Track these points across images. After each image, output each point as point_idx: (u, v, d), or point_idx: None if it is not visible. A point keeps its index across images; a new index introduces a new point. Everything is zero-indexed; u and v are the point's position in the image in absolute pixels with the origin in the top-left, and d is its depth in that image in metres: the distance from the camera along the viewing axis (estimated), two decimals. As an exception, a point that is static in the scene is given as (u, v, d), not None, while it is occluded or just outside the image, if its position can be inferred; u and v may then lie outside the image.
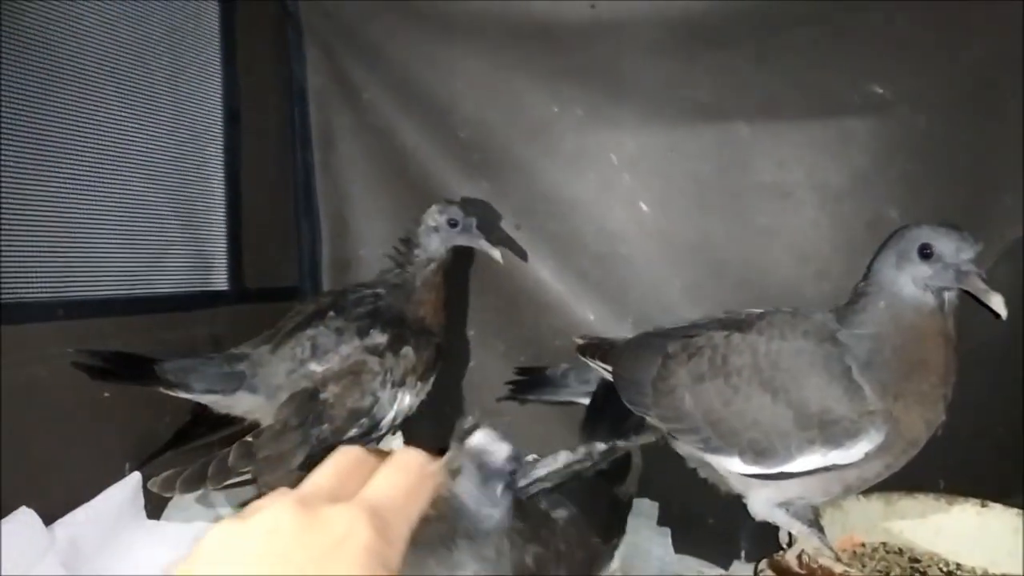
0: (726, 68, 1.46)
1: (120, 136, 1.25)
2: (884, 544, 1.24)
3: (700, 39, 1.46)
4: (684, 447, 1.18)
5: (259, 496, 0.46)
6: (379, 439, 1.31)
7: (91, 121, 1.20)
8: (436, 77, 1.59)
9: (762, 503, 1.12)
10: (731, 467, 1.09)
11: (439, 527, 0.71)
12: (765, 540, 1.23)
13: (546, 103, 1.54)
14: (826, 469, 1.01)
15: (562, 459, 1.09)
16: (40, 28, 1.11)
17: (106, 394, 1.18)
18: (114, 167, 1.24)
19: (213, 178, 1.47)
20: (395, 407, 1.30)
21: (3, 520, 1.00)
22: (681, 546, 1.36)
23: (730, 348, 1.10)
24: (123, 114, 1.26)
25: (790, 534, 1.12)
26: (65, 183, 1.15)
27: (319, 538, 0.42)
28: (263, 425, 1.24)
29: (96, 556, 1.11)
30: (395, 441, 1.45)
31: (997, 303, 0.92)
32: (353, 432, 1.25)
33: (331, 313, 1.32)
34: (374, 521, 0.44)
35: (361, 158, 1.67)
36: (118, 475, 1.20)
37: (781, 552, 1.12)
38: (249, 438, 1.18)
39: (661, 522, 1.41)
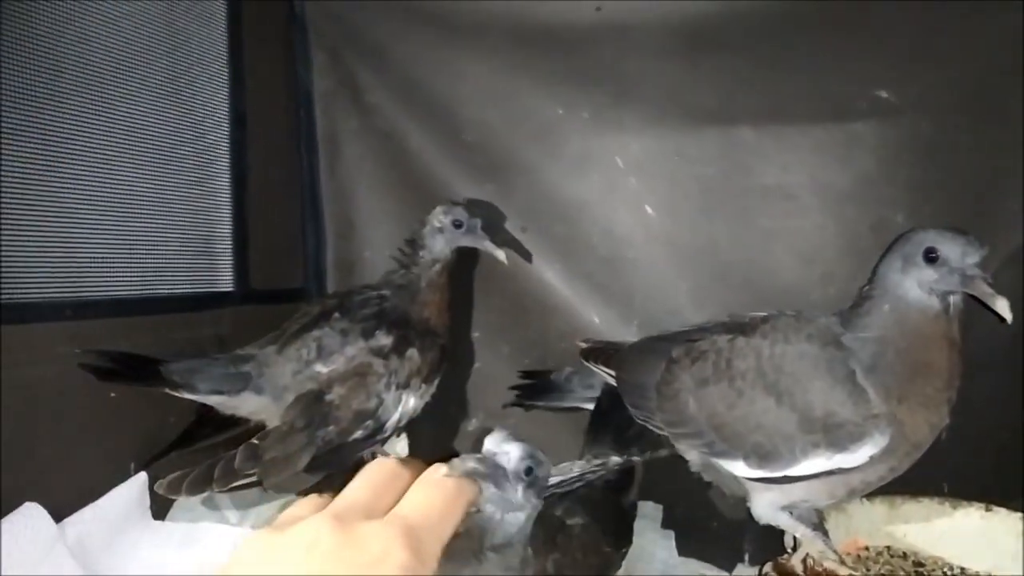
0: (731, 72, 1.46)
1: (127, 138, 1.26)
2: (888, 548, 1.24)
3: (706, 43, 1.46)
4: (688, 451, 1.18)
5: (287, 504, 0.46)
6: (384, 441, 1.31)
7: (98, 123, 1.20)
8: (442, 80, 1.59)
9: (766, 506, 1.12)
10: (735, 471, 1.09)
11: (467, 542, 0.71)
12: (768, 543, 1.23)
13: (551, 106, 1.55)
14: (830, 473, 1.01)
15: (576, 469, 1.10)
16: (47, 30, 1.11)
17: (112, 394, 1.18)
18: (121, 169, 1.25)
19: (219, 180, 1.47)
20: (400, 409, 1.30)
21: (10, 515, 1.00)
22: (685, 549, 1.37)
23: (734, 352, 1.10)
24: (130, 116, 1.26)
25: (794, 538, 1.12)
26: (73, 184, 1.16)
27: (356, 556, 0.42)
28: (268, 426, 1.24)
29: (102, 555, 1.11)
30: (400, 443, 1.46)
31: (1003, 307, 0.92)
32: (358, 434, 1.25)
33: (336, 315, 1.32)
34: (409, 541, 0.44)
35: (366, 160, 1.68)
36: (124, 475, 1.20)
37: (785, 555, 1.12)
38: (255, 440, 1.19)
39: (665, 525, 1.41)
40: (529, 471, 0.73)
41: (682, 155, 1.50)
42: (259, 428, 1.26)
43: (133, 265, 1.27)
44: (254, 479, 1.17)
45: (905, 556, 1.23)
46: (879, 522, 1.25)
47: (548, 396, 1.43)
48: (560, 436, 1.48)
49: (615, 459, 1.17)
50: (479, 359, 1.64)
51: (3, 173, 1.04)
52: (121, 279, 1.25)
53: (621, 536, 1.16)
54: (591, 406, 1.35)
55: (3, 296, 1.04)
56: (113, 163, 1.23)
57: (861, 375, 0.99)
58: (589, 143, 1.54)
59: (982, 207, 1.36)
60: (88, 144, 1.18)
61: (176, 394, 1.20)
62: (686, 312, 1.48)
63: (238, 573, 0.43)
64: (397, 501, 0.49)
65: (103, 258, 1.21)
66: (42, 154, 1.10)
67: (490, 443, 0.73)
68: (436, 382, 1.37)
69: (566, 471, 1.11)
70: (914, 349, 0.98)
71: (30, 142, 1.08)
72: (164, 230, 1.34)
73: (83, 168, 1.18)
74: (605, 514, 1.11)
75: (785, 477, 1.03)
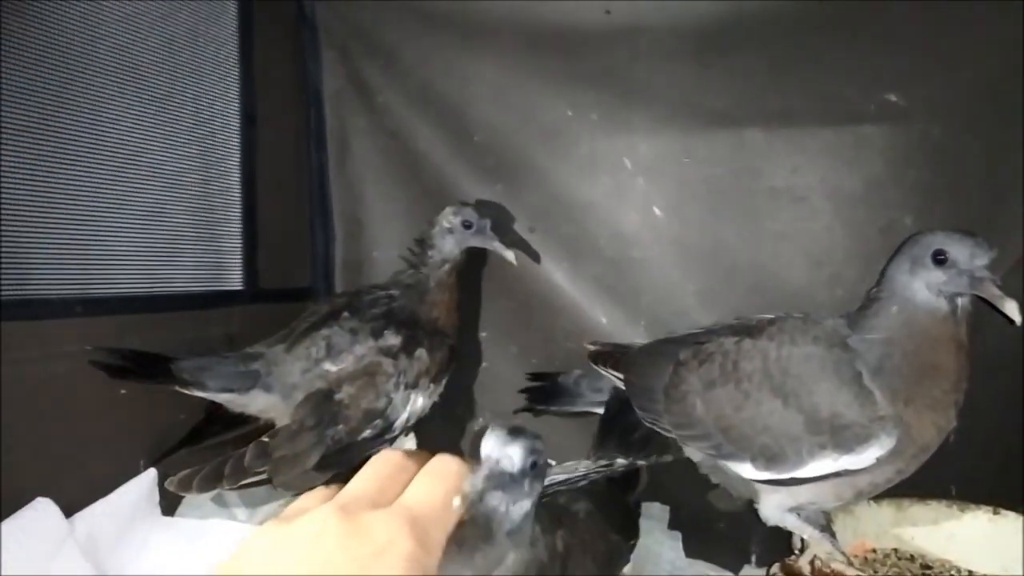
0: (740, 74, 1.46)
1: (139, 137, 1.27)
2: (896, 550, 1.24)
3: (715, 45, 1.46)
4: (696, 453, 1.19)
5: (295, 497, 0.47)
6: (392, 440, 1.31)
7: (111, 122, 1.21)
8: (451, 81, 1.60)
9: (773, 508, 1.12)
10: (742, 472, 1.09)
11: (474, 530, 0.72)
12: (775, 545, 1.23)
13: (561, 107, 1.55)
14: (837, 474, 1.01)
15: (582, 468, 1.10)
16: (61, 30, 1.12)
17: (123, 391, 1.19)
18: (133, 167, 1.26)
19: (229, 179, 1.48)
20: (408, 408, 1.31)
21: (22, 510, 1.01)
22: (692, 550, 1.37)
23: (741, 354, 1.10)
24: (142, 115, 1.27)
25: (802, 539, 1.12)
26: (85, 183, 1.17)
27: (361, 545, 0.43)
28: (277, 424, 1.25)
29: (113, 550, 1.12)
30: (408, 443, 1.46)
31: (1012, 309, 0.92)
32: (367, 433, 1.26)
33: (345, 314, 1.33)
34: (414, 530, 0.45)
35: (376, 160, 1.68)
36: (133, 471, 1.21)
37: (793, 557, 1.12)
38: (265, 438, 1.19)
39: (672, 526, 1.41)
40: (534, 465, 0.73)
41: (691, 157, 1.50)
42: (268, 426, 1.26)
43: (143, 263, 1.28)
44: (264, 477, 1.18)
45: (913, 558, 1.23)
46: (887, 524, 1.25)
47: (558, 400, 1.43)
48: (568, 439, 1.48)
49: (620, 461, 1.18)
50: (487, 359, 1.64)
51: (16, 171, 1.05)
52: (131, 277, 1.26)
53: (627, 528, 1.16)
54: (601, 410, 1.35)
55: (15, 292, 1.05)
56: (125, 162, 1.24)
57: (867, 377, 0.99)
58: (598, 144, 1.54)
59: (991, 210, 1.35)
60: (100, 143, 1.19)
61: (186, 392, 1.20)
62: (694, 313, 1.48)
63: (245, 564, 0.43)
64: (402, 492, 0.49)
65: (114, 256, 1.22)
66: (54, 153, 1.11)
67: (490, 448, 0.72)
68: (444, 382, 1.38)
69: (571, 469, 1.11)
70: (921, 351, 0.98)
71: (43, 141, 1.09)
72: (174, 229, 1.35)
73: (95, 166, 1.18)
74: (609, 506, 1.11)
75: (792, 479, 1.03)
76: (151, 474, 1.22)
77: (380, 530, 0.44)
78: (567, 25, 1.52)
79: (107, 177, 1.21)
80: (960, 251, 0.96)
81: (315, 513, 0.45)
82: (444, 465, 0.52)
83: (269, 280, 1.56)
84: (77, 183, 1.15)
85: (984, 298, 0.95)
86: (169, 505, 1.25)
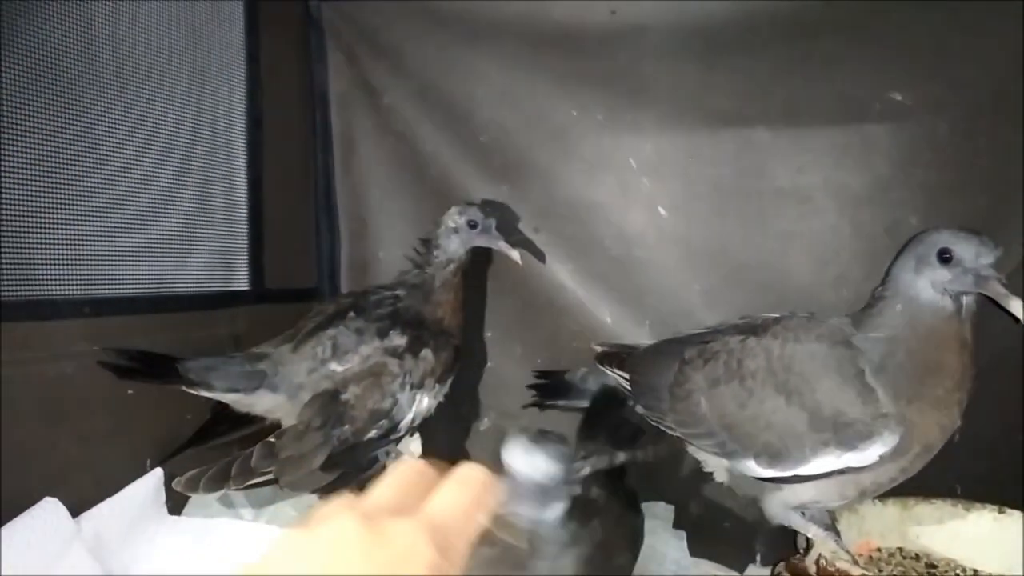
0: (746, 74, 1.46)
1: (146, 138, 1.27)
2: (901, 549, 1.24)
3: (720, 45, 1.46)
4: (700, 452, 1.19)
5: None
6: (398, 440, 1.32)
7: (118, 123, 1.22)
8: (457, 81, 1.60)
9: (778, 507, 1.12)
10: (746, 470, 1.09)
11: (517, 552, 0.72)
12: (780, 544, 1.24)
13: (566, 107, 1.55)
14: (841, 472, 1.01)
15: (588, 468, 1.10)
16: (68, 31, 1.13)
17: (130, 391, 1.20)
18: (140, 168, 1.26)
19: (235, 180, 1.48)
20: (414, 409, 1.31)
21: (29, 509, 1.02)
22: (696, 549, 1.37)
23: (745, 352, 1.10)
24: (149, 116, 1.28)
25: (807, 538, 1.13)
26: (92, 184, 1.17)
27: (383, 554, 0.42)
28: (283, 424, 1.25)
29: (119, 549, 1.12)
30: (413, 443, 1.46)
31: (1016, 308, 0.92)
32: (373, 433, 1.26)
33: (351, 314, 1.33)
34: (436, 538, 0.44)
35: (381, 161, 1.68)
36: (140, 471, 1.22)
37: (798, 556, 1.12)
38: (271, 438, 1.20)
39: (677, 525, 1.41)
40: (564, 470, 0.73)
41: (696, 156, 1.50)
42: (274, 426, 1.27)
43: (150, 264, 1.29)
44: (270, 477, 1.18)
45: (917, 558, 1.23)
46: (892, 523, 1.25)
47: (564, 396, 1.44)
48: (573, 432, 1.49)
49: (621, 455, 1.18)
50: (492, 359, 1.64)
51: (22, 172, 1.05)
52: (138, 277, 1.26)
53: (636, 506, 1.17)
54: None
55: (23, 293, 1.05)
56: (132, 163, 1.24)
57: (870, 374, 0.99)
58: (603, 144, 1.54)
59: (996, 209, 1.35)
60: (108, 144, 1.20)
61: (193, 392, 1.21)
62: (699, 313, 1.48)
63: (267, 569, 0.43)
64: (425, 500, 0.49)
65: (120, 256, 1.23)
66: (61, 154, 1.12)
67: (514, 459, 0.72)
68: (449, 382, 1.38)
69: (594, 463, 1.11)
70: (925, 349, 0.98)
71: (50, 142, 1.10)
72: (181, 229, 1.35)
73: (101, 167, 1.19)
74: (616, 487, 1.11)
75: (796, 476, 1.04)
76: (158, 474, 1.23)
77: (402, 538, 0.44)
78: (573, 25, 1.52)
79: (114, 178, 1.21)
80: (965, 250, 0.96)
81: (337, 520, 0.44)
82: (469, 474, 0.51)
83: (275, 280, 1.56)
84: (84, 184, 1.16)
85: (989, 297, 0.95)
86: (175, 505, 1.26)
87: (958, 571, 1.20)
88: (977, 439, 1.07)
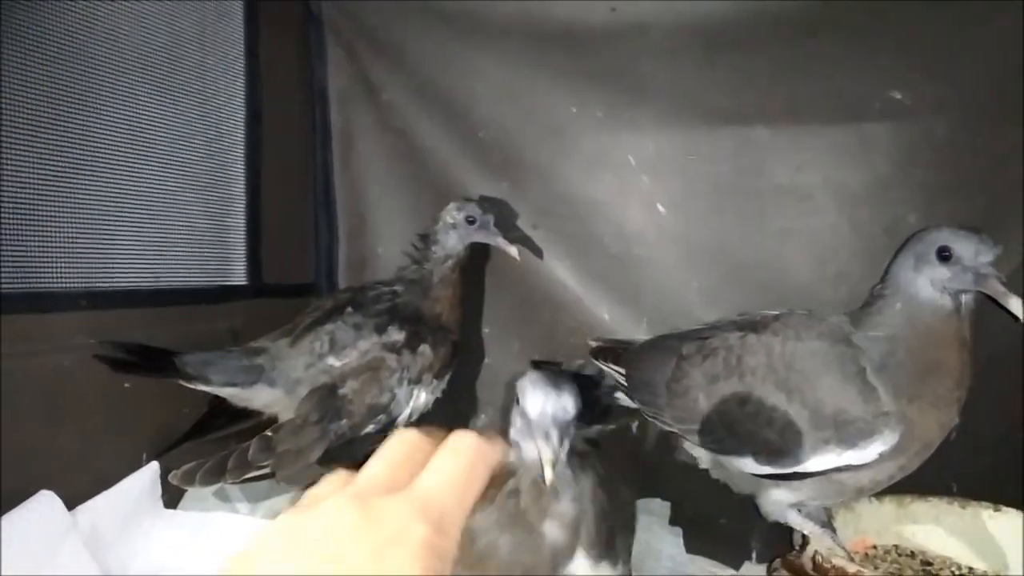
0: (746, 72, 1.46)
1: (146, 132, 1.27)
2: (896, 547, 1.25)
3: (720, 43, 1.46)
4: (696, 448, 1.19)
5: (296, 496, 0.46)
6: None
7: (117, 118, 1.21)
8: (456, 78, 1.60)
9: (774, 504, 1.12)
10: (745, 467, 1.09)
11: (540, 495, 0.72)
12: (776, 541, 1.24)
13: (565, 104, 1.55)
14: (840, 470, 1.01)
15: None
16: (69, 27, 1.13)
17: (127, 385, 1.19)
18: (140, 162, 1.26)
19: (235, 175, 1.48)
20: (411, 404, 1.31)
21: (25, 502, 1.01)
22: (693, 546, 1.37)
23: (744, 349, 1.10)
24: (149, 111, 1.28)
25: (803, 535, 1.13)
26: (91, 177, 1.17)
27: (375, 534, 0.42)
28: (280, 418, 1.25)
29: (115, 542, 1.12)
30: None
31: (1016, 306, 0.92)
32: (370, 428, 1.27)
33: (349, 309, 1.33)
34: (429, 513, 0.44)
35: (380, 157, 1.68)
36: (137, 465, 1.21)
37: (794, 553, 1.12)
38: (269, 432, 1.20)
39: (673, 522, 1.41)
40: (576, 405, 0.73)
41: (695, 154, 1.50)
42: (271, 421, 1.27)
43: (148, 257, 1.28)
44: (267, 471, 1.18)
45: (913, 555, 1.23)
46: (887, 521, 1.25)
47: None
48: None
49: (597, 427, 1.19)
50: (489, 355, 1.65)
51: (21, 165, 1.05)
52: (136, 271, 1.26)
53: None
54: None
55: (20, 285, 1.05)
56: (131, 157, 1.24)
57: (871, 373, 0.99)
58: (602, 142, 1.54)
59: (996, 208, 1.35)
60: (107, 138, 1.20)
61: (190, 386, 1.21)
62: (697, 311, 1.48)
63: (259, 557, 0.43)
64: (419, 473, 0.48)
65: (119, 250, 1.23)
66: (61, 147, 1.12)
67: (543, 404, 0.72)
68: (447, 377, 1.38)
69: None
70: (925, 348, 0.98)
71: (49, 136, 1.10)
72: (180, 223, 1.35)
73: (101, 161, 1.19)
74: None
75: (794, 474, 1.04)
76: (154, 467, 1.22)
77: (393, 517, 0.43)
78: (573, 23, 1.52)
79: (113, 172, 1.21)
80: (965, 248, 0.96)
81: (328, 503, 0.44)
82: (461, 443, 0.51)
83: (273, 275, 1.56)
84: (83, 177, 1.16)
85: (988, 295, 0.95)
86: (172, 498, 1.26)
87: (953, 569, 1.20)
88: (974, 437, 1.08)
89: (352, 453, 1.25)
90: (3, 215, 1.02)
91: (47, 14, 1.09)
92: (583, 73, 1.54)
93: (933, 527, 1.24)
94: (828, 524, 1.12)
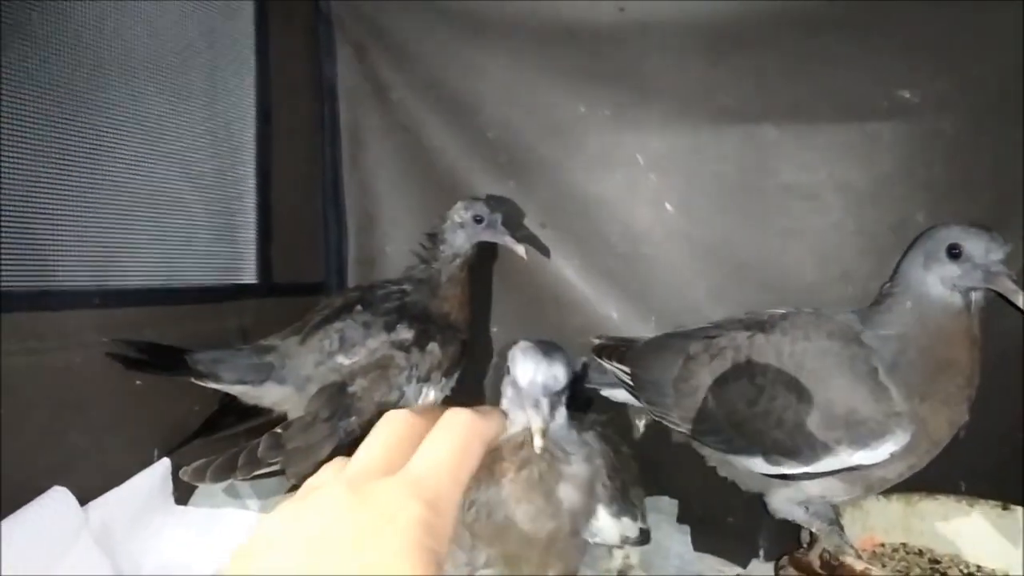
0: (753, 71, 1.46)
1: (158, 131, 1.28)
2: (904, 545, 1.25)
3: (727, 42, 1.47)
4: (704, 447, 1.19)
5: (292, 489, 0.47)
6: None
7: (129, 116, 1.22)
8: (465, 77, 1.60)
9: (783, 501, 1.12)
10: (754, 467, 1.09)
11: (550, 464, 0.72)
12: (783, 539, 1.24)
13: (573, 104, 1.55)
14: (849, 469, 1.02)
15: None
16: (81, 26, 1.13)
17: (138, 382, 1.20)
18: (150, 161, 1.26)
19: (245, 174, 1.49)
20: (420, 402, 1.31)
21: (39, 498, 1.02)
22: (700, 544, 1.36)
23: (753, 349, 1.10)
24: (160, 110, 1.28)
25: (811, 533, 1.13)
26: (103, 175, 1.18)
27: (368, 516, 0.43)
28: (290, 416, 1.26)
29: (126, 538, 1.13)
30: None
31: (1026, 303, 0.93)
32: (379, 425, 1.27)
33: (358, 307, 1.34)
34: (422, 493, 0.44)
35: (389, 156, 1.69)
36: (148, 461, 1.22)
37: (802, 550, 1.12)
38: (278, 429, 1.20)
39: (680, 520, 1.41)
40: (568, 373, 0.74)
41: (702, 153, 1.50)
42: (281, 418, 1.27)
43: (160, 256, 1.29)
44: (277, 468, 1.19)
45: (921, 553, 1.23)
46: (895, 519, 1.26)
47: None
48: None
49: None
50: (497, 354, 1.65)
51: (34, 163, 1.06)
52: (148, 269, 1.27)
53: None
54: (609, 390, 1.36)
55: (33, 283, 1.06)
56: (142, 156, 1.25)
57: (883, 373, 0.99)
58: (610, 141, 1.54)
59: (1002, 207, 1.35)
60: (118, 138, 1.20)
61: (201, 383, 1.21)
62: (703, 309, 1.48)
63: (259, 547, 0.43)
64: (412, 454, 0.48)
65: (131, 248, 1.23)
66: (73, 146, 1.12)
67: (534, 373, 0.72)
68: (456, 376, 1.38)
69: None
70: (936, 346, 0.99)
71: (62, 134, 1.10)
72: (190, 222, 1.36)
73: (113, 160, 1.19)
74: None
75: (804, 474, 1.04)
76: (165, 464, 1.23)
77: (387, 498, 0.44)
78: (581, 22, 1.52)
79: (125, 170, 1.21)
80: (975, 245, 0.96)
81: (323, 490, 0.45)
82: (454, 420, 0.51)
83: (283, 274, 1.56)
84: (95, 176, 1.16)
85: (999, 292, 0.95)
86: (182, 495, 1.26)
87: (961, 567, 1.21)
88: (982, 435, 1.07)
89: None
90: (16, 214, 1.03)
91: (59, 11, 1.09)
92: (591, 72, 1.54)
93: (941, 525, 1.24)
94: (836, 522, 1.12)
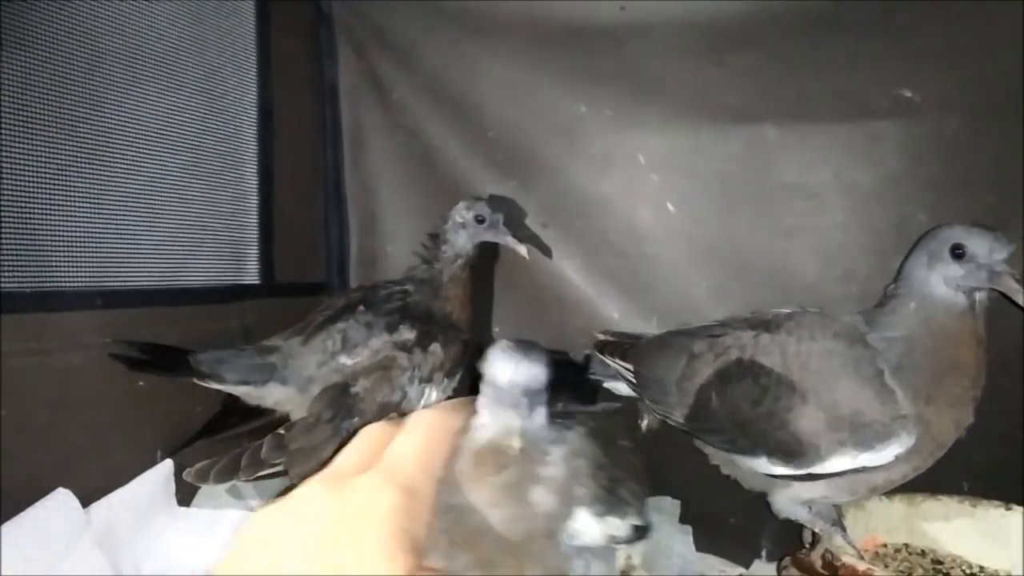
0: (754, 70, 1.46)
1: (159, 132, 1.28)
2: (907, 545, 1.25)
3: (729, 41, 1.46)
4: (707, 446, 1.19)
5: (292, 487, 0.47)
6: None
7: (130, 116, 1.22)
8: (466, 77, 1.60)
9: (785, 501, 1.12)
10: (757, 467, 1.09)
11: (527, 466, 0.72)
12: (786, 539, 1.24)
13: (575, 103, 1.55)
14: (854, 471, 1.01)
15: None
16: (84, 24, 1.13)
17: (140, 383, 1.20)
18: (152, 161, 1.26)
19: (246, 174, 1.49)
20: (423, 402, 1.31)
21: (42, 500, 1.02)
22: (702, 544, 1.37)
23: (758, 348, 1.10)
24: (161, 109, 1.28)
25: (813, 534, 1.13)
26: (104, 176, 1.17)
27: (346, 509, 0.44)
28: (293, 416, 1.25)
29: (129, 539, 1.13)
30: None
31: (1031, 303, 0.92)
32: (382, 426, 1.27)
33: (361, 308, 1.33)
34: (394, 478, 0.46)
35: (390, 156, 1.69)
36: (150, 462, 1.22)
37: (804, 550, 1.12)
38: (281, 430, 1.20)
39: (683, 520, 1.41)
40: (545, 372, 0.73)
41: (704, 153, 1.50)
42: (284, 419, 1.27)
43: (162, 256, 1.29)
44: (280, 469, 1.18)
45: (924, 554, 1.23)
46: (898, 520, 1.26)
47: (564, 379, 1.44)
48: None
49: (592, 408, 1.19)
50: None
51: (35, 163, 1.06)
52: (151, 270, 1.27)
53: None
54: (612, 383, 1.36)
55: (35, 284, 1.06)
56: (144, 156, 1.25)
57: (889, 375, 0.99)
58: (611, 140, 1.54)
59: (1005, 206, 1.35)
60: (119, 137, 1.20)
61: (203, 384, 1.21)
62: (706, 309, 1.48)
63: (243, 547, 0.44)
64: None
65: (133, 249, 1.23)
66: (74, 145, 1.12)
67: (512, 373, 0.71)
68: (458, 376, 1.38)
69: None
70: (942, 348, 0.98)
71: (63, 134, 1.10)
72: (192, 222, 1.36)
73: (114, 160, 1.19)
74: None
75: (808, 474, 1.04)
76: (168, 465, 1.23)
77: (362, 489, 0.45)
78: (582, 21, 1.52)
79: (126, 171, 1.21)
80: (979, 245, 0.96)
81: (301, 491, 0.46)
82: (419, 418, 0.53)
83: (285, 274, 1.56)
84: (96, 176, 1.16)
85: (1003, 292, 0.95)
86: (185, 496, 1.26)
87: (964, 568, 1.20)
88: (986, 436, 1.07)
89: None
90: (17, 214, 1.03)
91: (60, 10, 1.09)
92: (592, 72, 1.54)
93: (944, 526, 1.24)
94: (838, 522, 1.12)
